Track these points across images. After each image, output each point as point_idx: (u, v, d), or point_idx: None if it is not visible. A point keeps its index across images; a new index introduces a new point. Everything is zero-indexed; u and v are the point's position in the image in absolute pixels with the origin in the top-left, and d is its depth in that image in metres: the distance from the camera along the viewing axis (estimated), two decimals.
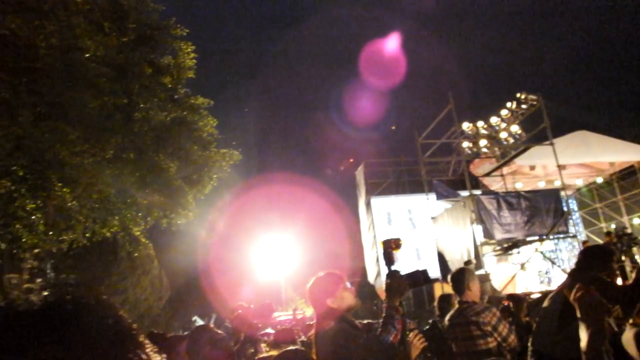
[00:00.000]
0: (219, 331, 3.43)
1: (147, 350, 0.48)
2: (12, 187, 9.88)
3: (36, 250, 11.61)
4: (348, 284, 3.28)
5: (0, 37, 9.58)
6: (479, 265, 12.57)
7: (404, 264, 3.42)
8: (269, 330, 10.25)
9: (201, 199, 14.35)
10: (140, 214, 13.15)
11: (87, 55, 10.52)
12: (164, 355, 0.52)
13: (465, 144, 15.64)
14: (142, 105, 12.47)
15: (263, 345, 4.82)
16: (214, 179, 14.15)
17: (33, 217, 10.01)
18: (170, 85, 12.89)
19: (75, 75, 10.25)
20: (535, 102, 14.91)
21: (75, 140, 10.25)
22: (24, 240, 10.48)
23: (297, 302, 21.83)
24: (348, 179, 22.51)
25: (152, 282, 21.28)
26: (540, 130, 15.35)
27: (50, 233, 10.93)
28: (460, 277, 4.37)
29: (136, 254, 15.14)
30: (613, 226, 18.95)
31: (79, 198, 11.02)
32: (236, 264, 25.89)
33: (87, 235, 12.27)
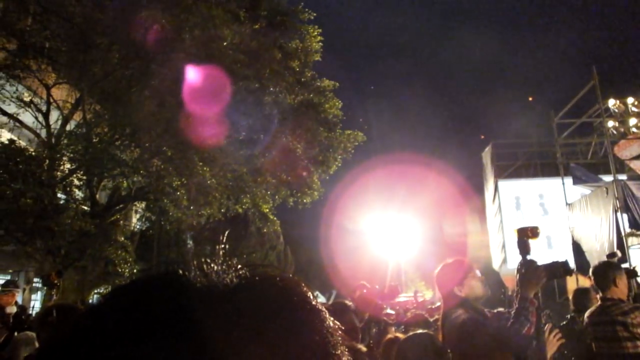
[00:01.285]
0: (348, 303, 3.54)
1: (332, 325, 0.50)
2: (162, 165, 11.04)
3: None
4: (477, 273, 3.21)
5: (151, 31, 10.66)
6: (624, 259, 11.40)
7: (535, 253, 3.24)
8: (390, 312, 10.36)
9: (325, 179, 14.82)
10: (269, 193, 13.95)
11: (224, 43, 11.30)
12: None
13: (610, 124, 14.15)
14: (271, 89, 13.09)
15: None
16: (338, 160, 14.51)
17: (178, 193, 11.09)
18: (297, 69, 13.35)
19: (214, 63, 11.08)
20: None
21: (211, 122, 11.13)
22: (170, 213, 11.69)
23: (418, 284, 21.70)
24: (474, 160, 21.61)
25: (278, 257, 22.53)
26: None
27: (192, 208, 12.03)
28: (604, 271, 4.01)
29: (265, 230, 16.12)
30: None
31: (216, 176, 11.97)
32: (356, 243, 26.35)
33: (222, 210, 13.30)
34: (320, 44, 13.68)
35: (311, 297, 0.52)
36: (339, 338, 0.51)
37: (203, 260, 0.54)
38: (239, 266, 0.52)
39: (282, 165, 13.51)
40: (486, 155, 19.25)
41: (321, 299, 28.26)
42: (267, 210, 14.32)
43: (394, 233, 24.47)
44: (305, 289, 0.53)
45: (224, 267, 0.52)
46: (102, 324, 0.45)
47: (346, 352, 0.51)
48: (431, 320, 5.55)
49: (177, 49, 10.82)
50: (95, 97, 11.24)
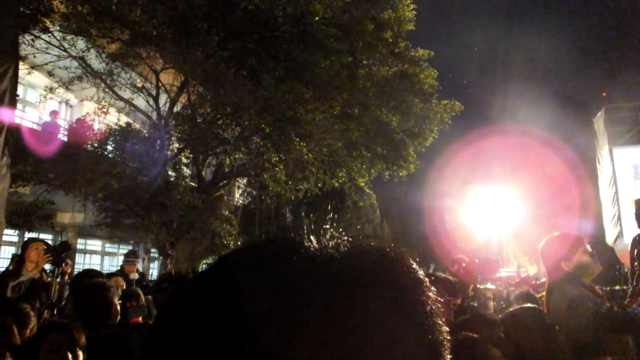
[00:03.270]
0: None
1: (435, 298, 0.51)
2: (261, 142, 11.48)
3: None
4: (589, 247, 3.01)
5: (248, 11, 10.98)
6: None
7: None
8: (490, 286, 10.06)
9: (422, 151, 14.53)
10: (364, 166, 13.98)
11: (316, 18, 11.35)
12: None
13: None
14: (365, 62, 12.98)
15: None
16: (434, 131, 14.15)
17: (277, 169, 11.50)
18: (390, 40, 13.07)
19: (307, 39, 11.19)
20: None
21: (308, 99, 11.30)
22: (270, 188, 12.17)
23: (521, 259, 20.77)
24: (583, 126, 20.00)
25: (374, 231, 22.63)
26: None
27: (290, 183, 12.42)
28: None
29: (361, 204, 16.24)
30: None
31: (312, 152, 12.22)
32: (454, 215, 25.69)
33: (318, 185, 13.59)
34: (413, 12, 13.25)
35: (416, 267, 0.53)
36: (441, 308, 0.52)
37: (313, 228, 0.57)
38: (347, 237, 0.54)
39: (377, 138, 13.43)
40: (598, 121, 17.74)
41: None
42: (363, 184, 14.39)
43: (495, 206, 23.49)
44: (410, 259, 0.53)
45: (332, 236, 0.54)
46: (222, 283, 0.48)
47: (444, 324, 0.51)
48: (537, 295, 5.33)
49: (270, 27, 11.07)
50: (198, 79, 11.88)
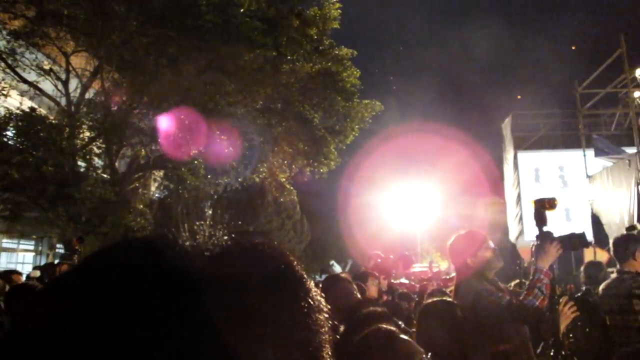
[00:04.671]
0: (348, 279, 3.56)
1: (316, 295, 0.50)
2: (179, 134, 11.12)
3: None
4: (491, 244, 3.20)
5: None
6: None
7: (553, 225, 3.22)
8: (404, 281, 10.44)
9: (342, 148, 14.76)
10: (286, 162, 13.98)
11: (241, 10, 11.16)
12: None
13: (637, 94, 13.78)
14: (289, 58, 12.94)
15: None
16: (355, 130, 14.40)
17: (195, 162, 11.19)
18: (315, 37, 13.14)
19: (231, 30, 10.97)
20: None
21: (231, 92, 11.10)
22: (188, 182, 11.84)
23: (433, 255, 21.77)
24: (493, 130, 21.29)
25: (294, 226, 22.72)
26: None
27: (209, 177, 12.16)
28: (624, 244, 3.97)
29: (281, 199, 16.22)
30: None
31: (233, 145, 12.02)
32: (372, 213, 26.42)
33: (239, 179, 13.42)
34: (338, 11, 13.41)
35: (297, 267, 0.52)
36: (322, 310, 0.51)
37: (193, 225, 0.55)
38: (229, 233, 0.52)
39: (299, 134, 13.47)
40: (506, 126, 18.95)
41: (337, 268, 28.57)
42: (284, 179, 14.38)
43: (411, 204, 24.46)
44: (291, 258, 0.53)
45: (212, 232, 0.52)
46: (79, 282, 0.46)
47: (328, 324, 0.52)
48: (447, 291, 5.59)
49: (194, 15, 10.73)
50: (113, 65, 11.27)
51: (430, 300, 2.73)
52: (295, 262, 0.53)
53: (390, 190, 25.82)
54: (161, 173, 14.34)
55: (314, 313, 0.49)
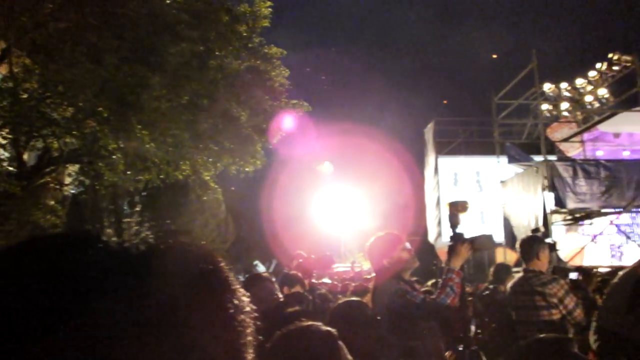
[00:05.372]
0: (270, 279, 3.55)
1: (241, 296, 0.51)
2: (97, 127, 10.52)
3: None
4: (407, 245, 3.31)
5: None
6: (547, 234, 12.12)
7: (468, 227, 3.38)
8: (326, 281, 10.55)
9: (269, 148, 14.67)
10: (210, 160, 13.65)
11: (167, 1, 10.78)
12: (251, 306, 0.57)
13: (545, 107, 14.84)
14: (217, 53, 12.67)
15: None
16: (282, 130, 14.37)
17: (114, 157, 10.64)
18: (245, 34, 12.96)
19: (156, 21, 10.56)
20: (629, 64, 13.75)
21: (154, 85, 10.67)
22: (105, 178, 11.23)
23: (356, 255, 22.17)
24: (416, 135, 22.08)
25: (218, 226, 22.30)
26: (630, 95, 14.22)
27: (129, 173, 11.61)
28: (530, 245, 4.26)
29: (205, 198, 15.84)
30: None
31: (155, 141, 11.56)
32: (298, 213, 26.52)
33: (161, 176, 12.93)
34: (269, 9, 13.31)
35: (223, 268, 0.52)
36: (247, 311, 0.51)
37: (119, 223, 0.52)
38: (155, 232, 0.51)
39: (225, 132, 13.21)
40: (428, 131, 19.73)
41: (261, 268, 28.40)
42: (208, 177, 14.04)
43: (335, 204, 24.79)
44: (218, 259, 0.53)
45: (137, 232, 0.52)
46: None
47: (252, 326, 0.51)
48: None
49: (115, 2, 10.22)
50: (24, 49, 10.48)
51: (340, 301, 2.77)
52: (222, 263, 0.53)
53: (317, 191, 26.04)
54: (76, 167, 13.51)
55: (239, 314, 0.49)
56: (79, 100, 9.85)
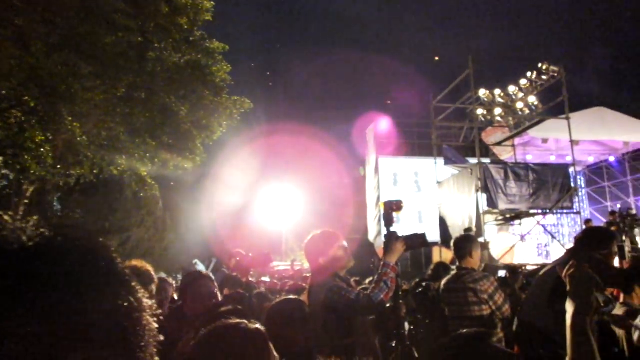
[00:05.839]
0: (210, 276, 3.47)
1: (139, 296, 0.48)
2: (23, 117, 9.91)
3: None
4: (344, 243, 3.32)
5: None
6: (479, 234, 12.64)
7: (406, 226, 3.45)
8: (266, 279, 10.49)
9: (209, 144, 14.36)
10: (148, 155, 13.21)
11: None
12: (153, 302, 0.53)
13: (480, 111, 15.42)
14: (156, 45, 12.29)
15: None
16: (223, 126, 14.10)
17: (42, 150, 10.07)
18: (186, 27, 12.63)
19: (90, 8, 10.07)
20: (556, 74, 14.55)
21: (87, 75, 10.19)
22: (32, 172, 10.60)
23: (297, 253, 22.20)
24: (359, 135, 22.38)
25: (155, 223, 21.64)
26: (557, 103, 15.06)
27: (58, 167, 11.03)
28: (463, 244, 4.40)
29: (142, 194, 15.32)
30: (618, 206, 18.94)
31: (88, 134, 11.06)
32: (240, 211, 26.20)
33: (94, 171, 12.38)
34: (212, 2, 13.04)
35: (120, 265, 0.50)
36: (145, 310, 0.49)
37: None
38: (49, 227, 0.49)
39: (164, 127, 12.83)
40: (370, 132, 20.04)
41: (200, 266, 27.82)
42: (145, 173, 13.58)
43: (277, 202, 24.70)
44: (114, 255, 0.51)
45: (25, 225, 0.49)
46: None
47: (150, 319, 0.49)
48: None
49: None
50: None
51: (277, 300, 2.74)
52: (119, 260, 0.51)
53: (258, 188, 25.85)
54: None
55: (135, 313, 0.47)
56: (3, 89, 9.23)
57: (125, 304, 0.46)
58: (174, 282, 11.12)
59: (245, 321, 1.43)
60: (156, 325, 0.51)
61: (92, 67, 10.46)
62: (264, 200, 25.59)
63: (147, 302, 0.50)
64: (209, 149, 14.69)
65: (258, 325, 1.45)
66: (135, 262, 2.85)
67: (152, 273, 2.84)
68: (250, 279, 5.39)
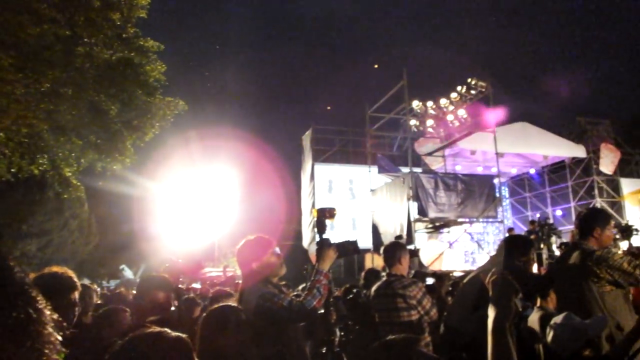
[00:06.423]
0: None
1: (39, 305, 0.46)
2: None
3: None
4: (277, 250, 3.30)
5: None
6: (410, 241, 13.01)
7: (340, 233, 3.47)
8: (197, 285, 10.23)
9: (140, 146, 13.81)
10: (73, 155, 12.52)
11: None
12: (55, 315, 0.49)
13: (413, 122, 15.92)
14: (86, 40, 11.69)
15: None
16: (156, 127, 13.59)
17: None
18: (119, 23, 12.12)
19: None
20: (484, 89, 15.30)
21: (7, 67, 9.53)
22: None
23: (230, 259, 21.84)
24: (294, 141, 22.42)
25: (80, 226, 20.54)
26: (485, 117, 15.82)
27: None
28: (393, 251, 4.50)
29: (65, 196, 14.47)
30: (537, 215, 20.17)
31: (6, 130, 10.34)
32: (172, 216, 25.45)
33: (12, 170, 11.60)
34: None
35: (17, 273, 0.47)
36: (47, 322, 0.47)
37: None
38: None
39: (92, 125, 12.21)
40: (306, 138, 20.12)
41: (128, 272, 26.75)
42: (70, 173, 12.84)
43: (210, 208, 24.23)
44: (11, 264, 0.48)
45: None
46: None
47: (52, 331, 0.47)
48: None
49: None
50: None
51: (212, 307, 2.67)
52: (17, 269, 0.47)
53: (191, 194, 25.22)
54: None
55: (33, 325, 0.44)
56: None
57: (22, 316, 0.43)
58: (98, 288, 10.57)
59: (166, 329, 1.38)
60: (60, 338, 0.47)
61: (13, 58, 9.80)
62: (197, 205, 24.99)
63: (48, 314, 0.47)
64: (141, 150, 14.15)
65: (179, 334, 1.40)
66: (55, 268, 2.68)
67: (74, 279, 2.68)
68: (180, 285, 5.24)
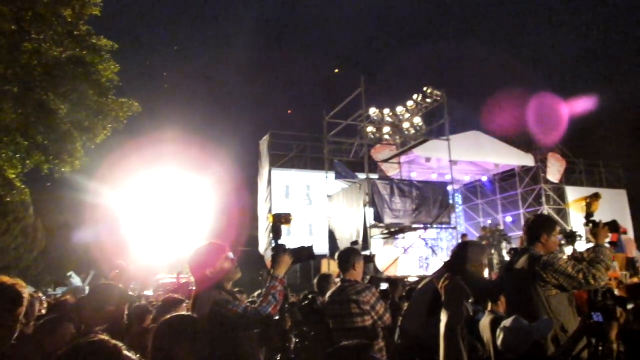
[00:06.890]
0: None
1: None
2: None
3: None
4: (230, 255, 3.26)
5: None
6: (366, 247, 13.13)
7: (296, 239, 3.45)
8: (149, 293, 9.95)
9: (91, 148, 13.30)
10: (18, 156, 11.94)
11: None
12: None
13: (370, 129, 16.09)
14: (34, 36, 11.23)
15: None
16: (108, 129, 13.13)
17: None
18: (70, 20, 11.70)
19: None
20: (439, 98, 15.65)
21: None
22: None
23: (184, 266, 21.37)
24: (252, 146, 22.25)
25: (24, 231, 19.60)
26: (439, 125, 16.18)
27: None
28: (347, 257, 4.51)
29: (8, 199, 13.76)
30: (489, 222, 20.81)
31: None
32: (123, 221, 24.67)
33: None
34: None
35: None
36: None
37: None
38: None
39: (39, 126, 11.70)
40: (264, 143, 20.00)
41: (76, 280, 25.72)
42: (14, 176, 12.22)
43: (165, 213, 23.65)
44: None
45: None
46: None
47: None
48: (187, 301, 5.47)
49: None
50: None
51: (167, 317, 2.60)
52: None
53: (145, 198, 24.54)
54: None
55: None
56: None
57: None
58: (44, 296, 10.09)
59: (104, 338, 1.33)
60: None
61: None
62: (150, 211, 24.33)
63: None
64: (94, 154, 13.63)
65: (116, 342, 1.36)
66: (5, 279, 2.49)
67: (23, 295, 2.49)
68: (131, 293, 5.07)
